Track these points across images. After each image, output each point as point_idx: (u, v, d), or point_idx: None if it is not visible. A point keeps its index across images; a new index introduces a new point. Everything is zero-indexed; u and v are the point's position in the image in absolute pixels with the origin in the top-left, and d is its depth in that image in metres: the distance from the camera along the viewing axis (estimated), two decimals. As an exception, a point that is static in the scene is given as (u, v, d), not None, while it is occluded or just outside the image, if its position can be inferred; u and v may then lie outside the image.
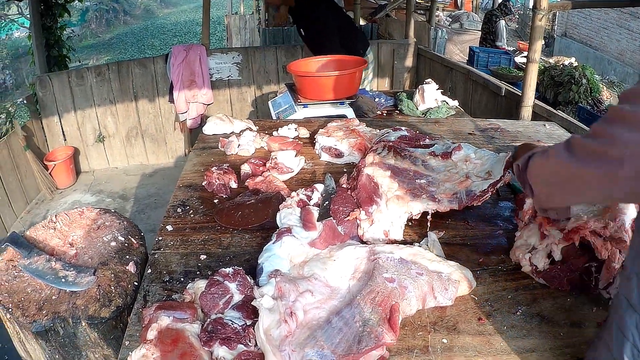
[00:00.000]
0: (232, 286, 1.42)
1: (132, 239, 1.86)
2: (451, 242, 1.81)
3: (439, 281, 1.48)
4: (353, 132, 2.48)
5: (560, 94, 8.79)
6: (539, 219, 1.69)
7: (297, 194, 1.88)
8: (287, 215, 1.74)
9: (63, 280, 1.60)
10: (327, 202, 1.80)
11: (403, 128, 2.33)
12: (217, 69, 5.94)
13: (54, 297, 1.56)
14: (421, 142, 2.15)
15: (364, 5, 8.24)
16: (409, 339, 1.37)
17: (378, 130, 2.53)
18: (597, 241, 1.54)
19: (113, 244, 1.82)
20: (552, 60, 11.30)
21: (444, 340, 1.37)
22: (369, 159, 1.93)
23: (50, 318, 1.50)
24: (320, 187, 1.94)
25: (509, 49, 12.08)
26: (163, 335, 1.26)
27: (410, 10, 6.59)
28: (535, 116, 3.84)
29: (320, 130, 2.56)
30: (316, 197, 1.87)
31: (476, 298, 1.54)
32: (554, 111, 3.77)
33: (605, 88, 9.92)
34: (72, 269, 1.64)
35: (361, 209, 1.75)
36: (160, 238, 1.80)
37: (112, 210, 2.03)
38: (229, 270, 1.47)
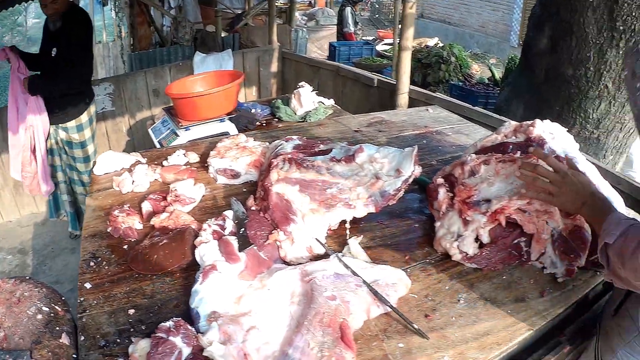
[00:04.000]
0: (178, 340, 1.32)
1: (56, 307, 1.66)
2: (372, 245, 1.81)
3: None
4: (244, 149, 2.41)
5: (430, 75, 9.18)
6: (457, 205, 1.73)
7: (209, 226, 1.79)
8: (206, 251, 1.65)
9: None
10: (242, 229, 1.73)
11: (295, 137, 2.30)
12: (91, 102, 5.59)
13: None
14: (316, 149, 2.13)
15: (222, 16, 8.14)
16: (365, 352, 1.35)
17: (267, 143, 2.48)
18: (523, 217, 1.63)
19: (39, 316, 1.61)
20: (414, 43, 11.83)
21: (400, 345, 1.37)
22: (274, 176, 1.87)
23: None
24: (229, 213, 1.86)
25: (369, 38, 12.48)
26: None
27: (272, 15, 6.62)
28: (413, 102, 3.98)
29: (211, 152, 2.45)
30: (229, 225, 1.79)
31: (416, 296, 1.56)
32: (432, 94, 3.93)
33: (474, 62, 10.53)
34: (7, 356, 1.44)
35: (279, 229, 1.70)
36: (82, 299, 1.63)
37: (27, 277, 1.80)
38: (169, 324, 1.36)
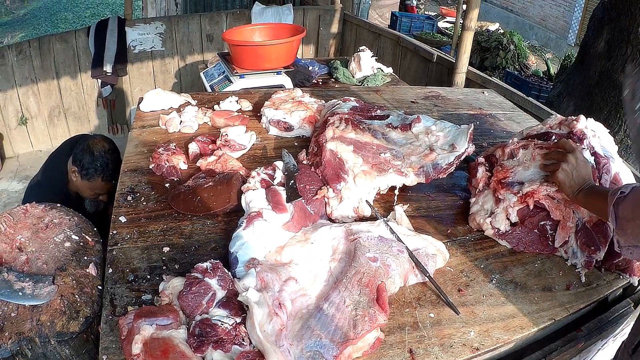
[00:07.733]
0: (213, 282, 1.31)
1: (87, 237, 1.67)
2: (416, 215, 1.82)
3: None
4: (300, 103, 2.40)
5: (487, 59, 9.05)
6: (493, 184, 1.75)
7: (258, 174, 1.78)
8: (254, 198, 1.65)
9: (20, 293, 1.39)
10: (292, 181, 1.74)
11: (352, 98, 2.29)
12: (139, 40, 5.63)
13: (13, 315, 1.36)
14: (373, 113, 2.13)
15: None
16: (397, 317, 1.37)
17: (323, 101, 2.47)
18: (552, 204, 1.65)
19: (67, 244, 1.61)
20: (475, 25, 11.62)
21: (431, 315, 1.39)
22: (330, 134, 1.87)
23: (15, 340, 1.29)
24: (280, 164, 1.85)
25: (430, 13, 12.25)
26: (150, 348, 1.13)
27: (338, -25, 6.50)
28: (469, 82, 3.92)
29: (266, 102, 2.45)
30: (279, 176, 1.79)
31: (452, 270, 1.57)
32: (488, 77, 3.86)
33: (531, 54, 10.29)
34: (27, 279, 1.44)
35: (328, 186, 1.70)
36: (115, 232, 1.62)
37: (58, 205, 1.80)
38: (206, 265, 1.36)
